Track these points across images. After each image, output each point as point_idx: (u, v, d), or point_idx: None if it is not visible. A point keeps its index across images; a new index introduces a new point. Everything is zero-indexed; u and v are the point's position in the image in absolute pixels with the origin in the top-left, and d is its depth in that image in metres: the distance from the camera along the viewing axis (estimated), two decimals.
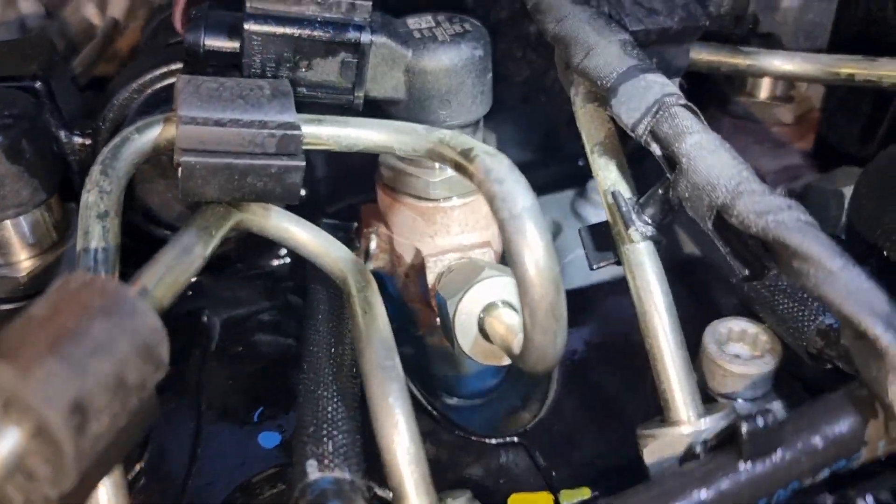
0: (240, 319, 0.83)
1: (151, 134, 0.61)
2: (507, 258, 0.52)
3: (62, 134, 0.75)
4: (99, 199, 0.57)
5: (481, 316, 0.66)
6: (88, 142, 0.76)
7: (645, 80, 0.61)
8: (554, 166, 0.97)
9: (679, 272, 0.70)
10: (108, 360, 0.42)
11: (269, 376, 0.77)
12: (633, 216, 0.61)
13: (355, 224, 0.84)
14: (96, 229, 0.56)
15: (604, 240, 0.64)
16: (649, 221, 0.61)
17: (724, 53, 0.78)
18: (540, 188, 0.95)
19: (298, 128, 0.62)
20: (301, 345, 0.69)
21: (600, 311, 0.84)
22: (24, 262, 0.67)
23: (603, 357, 0.82)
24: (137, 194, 0.78)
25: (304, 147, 0.64)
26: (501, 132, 0.89)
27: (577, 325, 0.82)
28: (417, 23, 0.72)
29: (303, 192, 0.63)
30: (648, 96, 0.60)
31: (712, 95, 0.89)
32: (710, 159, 0.55)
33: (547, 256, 0.50)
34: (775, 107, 0.85)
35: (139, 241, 0.82)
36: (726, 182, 0.54)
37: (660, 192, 0.60)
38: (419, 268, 0.78)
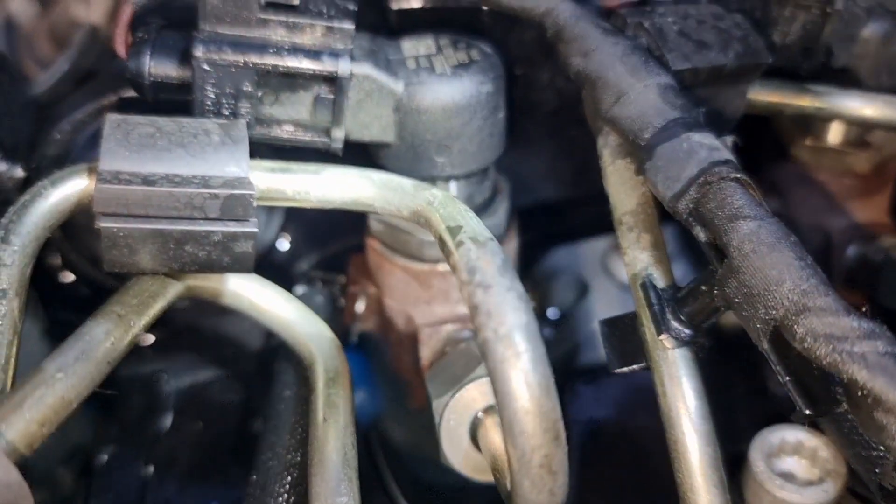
0: (200, 388, 0.71)
1: (70, 188, 0.50)
2: (492, 389, 0.39)
3: (3, 167, 0.64)
4: None
5: (477, 419, 0.54)
6: (32, 175, 0.65)
7: (689, 141, 0.48)
8: (585, 208, 0.84)
9: (722, 345, 0.56)
10: None
11: (225, 465, 0.65)
12: (668, 315, 0.48)
13: (342, 278, 0.72)
14: None
15: (629, 336, 0.51)
16: (687, 322, 0.48)
17: (789, 93, 0.64)
18: (567, 233, 0.84)
19: (249, 185, 0.50)
20: (262, 436, 0.58)
21: (628, 394, 0.70)
22: None
23: (627, 450, 0.69)
24: (83, 239, 0.66)
25: (264, 203, 0.52)
26: (526, 167, 0.76)
27: (597, 412, 0.68)
28: (415, 48, 0.60)
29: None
30: (692, 164, 0.47)
31: (772, 138, 0.75)
32: (768, 257, 0.42)
33: (544, 395, 0.38)
34: (848, 154, 0.70)
35: (95, 292, 0.72)
36: (789, 291, 0.40)
37: (703, 287, 0.47)
38: (413, 337, 0.66)
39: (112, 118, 0.50)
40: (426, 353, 0.65)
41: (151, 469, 0.65)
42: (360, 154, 0.60)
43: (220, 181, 0.49)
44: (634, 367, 0.50)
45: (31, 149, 0.64)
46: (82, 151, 0.63)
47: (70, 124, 0.63)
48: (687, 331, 0.48)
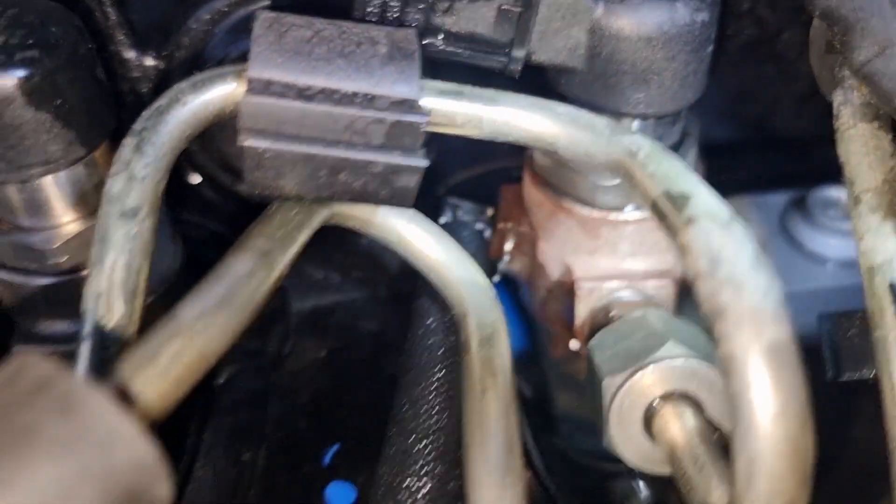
0: (326, 311, 0.65)
1: (214, 94, 0.43)
2: (731, 413, 0.31)
3: (131, 55, 0.58)
4: (127, 190, 0.40)
5: (652, 407, 0.46)
6: (162, 66, 0.59)
7: None
8: (765, 156, 0.73)
9: None
10: None
11: (353, 404, 0.59)
12: None
13: (490, 210, 0.64)
14: (118, 236, 0.39)
15: (858, 339, 0.42)
16: None
17: None
18: (742, 184, 0.73)
19: (421, 110, 0.42)
20: (401, 387, 0.51)
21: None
22: (63, 227, 0.51)
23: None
24: (214, 141, 0.60)
25: (431, 129, 0.44)
26: (701, 102, 0.66)
27: None
28: None
29: None
30: None
31: None
32: None
33: (800, 432, 0.30)
34: None
35: (224, 197, 0.66)
36: None
37: None
38: (567, 289, 0.58)
39: (264, 16, 0.43)
40: (582, 310, 0.57)
41: (272, 395, 0.60)
42: (530, 82, 0.51)
43: (387, 102, 0.42)
44: (866, 374, 0.41)
45: (166, 36, 0.58)
46: (218, 46, 0.56)
47: (209, 13, 0.55)
48: None
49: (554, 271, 0.59)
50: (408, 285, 0.66)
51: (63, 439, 0.28)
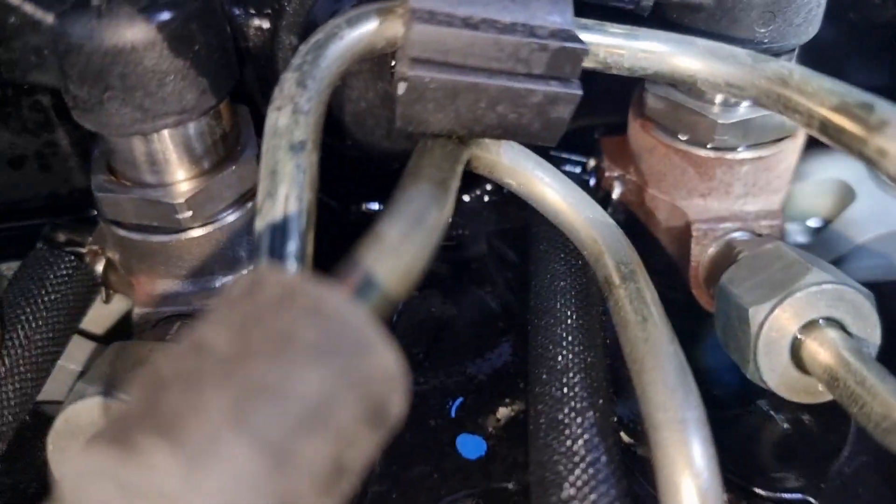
0: (433, 267, 0.65)
1: (368, 28, 0.42)
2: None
3: (237, 12, 0.58)
4: (293, 124, 0.39)
5: (798, 337, 0.46)
6: (267, 25, 0.59)
7: None
8: None
9: None
10: (323, 437, 0.26)
11: (472, 352, 0.59)
12: None
13: (591, 160, 0.64)
14: (288, 169, 0.38)
15: None
16: None
17: None
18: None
19: (579, 39, 0.42)
20: (531, 320, 0.51)
21: None
22: (183, 183, 0.51)
23: None
24: None
25: None
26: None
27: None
28: None
29: None
30: None
31: None
32: None
33: None
34: None
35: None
36: None
37: None
38: (678, 234, 0.59)
39: None
40: (698, 252, 0.57)
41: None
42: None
43: (547, 31, 0.41)
44: None
45: None
46: (326, 5, 0.56)
47: None
48: None
49: (664, 217, 0.59)
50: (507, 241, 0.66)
51: (322, 345, 0.27)
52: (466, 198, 0.70)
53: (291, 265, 0.36)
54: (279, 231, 0.37)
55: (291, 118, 0.40)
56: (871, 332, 0.47)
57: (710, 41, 0.46)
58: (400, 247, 0.34)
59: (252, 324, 0.27)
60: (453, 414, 0.55)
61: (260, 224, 0.38)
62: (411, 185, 0.38)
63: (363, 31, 0.42)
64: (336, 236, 0.63)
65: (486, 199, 0.68)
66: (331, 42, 0.42)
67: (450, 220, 0.39)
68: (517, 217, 0.67)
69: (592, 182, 0.63)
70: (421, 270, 0.35)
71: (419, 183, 0.38)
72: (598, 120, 0.70)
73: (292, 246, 0.37)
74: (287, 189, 0.38)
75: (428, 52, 0.40)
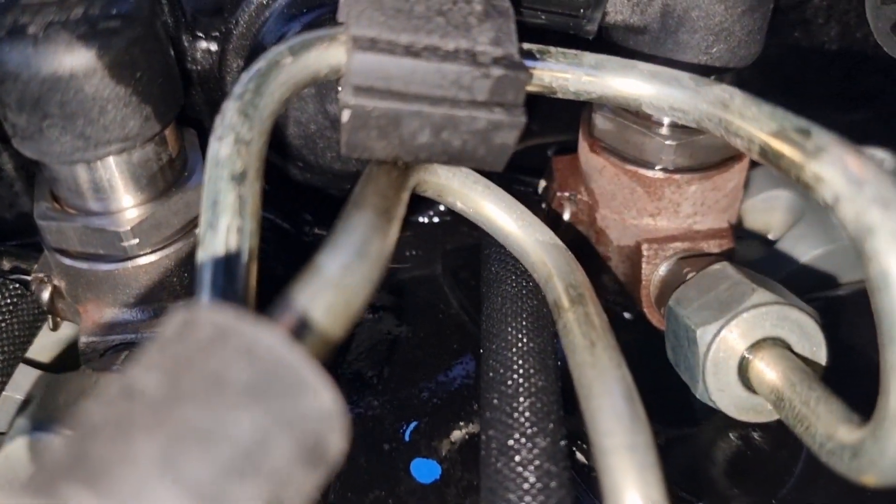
0: (387, 289, 0.65)
1: (310, 56, 0.42)
2: (879, 333, 0.32)
3: (182, 37, 0.57)
4: (235, 154, 0.39)
5: (746, 357, 0.47)
6: (214, 48, 0.58)
7: None
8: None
9: None
10: (256, 480, 0.25)
11: (426, 374, 0.59)
12: None
13: (542, 182, 0.64)
14: (230, 199, 0.38)
15: None
16: None
17: None
18: None
19: (523, 66, 0.42)
20: (483, 344, 0.51)
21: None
22: (129, 210, 0.50)
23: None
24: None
25: None
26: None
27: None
28: None
29: None
30: None
31: None
32: None
33: None
34: None
35: (273, 183, 0.65)
36: None
37: None
38: (629, 253, 0.59)
39: None
40: (648, 271, 0.58)
41: (339, 376, 0.59)
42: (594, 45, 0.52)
43: (489, 58, 0.42)
44: None
45: (217, 18, 0.57)
46: (274, 26, 0.56)
47: None
48: None
49: (615, 236, 0.59)
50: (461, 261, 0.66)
51: (254, 387, 0.27)
52: (423, 218, 0.70)
53: (231, 299, 0.36)
54: (220, 264, 0.37)
55: (233, 148, 0.39)
56: (817, 350, 0.47)
57: (655, 65, 0.46)
58: (340, 280, 0.34)
59: (183, 366, 0.27)
60: (408, 438, 0.55)
61: (201, 256, 0.37)
62: (353, 215, 0.38)
63: (306, 59, 0.42)
64: (291, 260, 0.63)
65: (439, 219, 0.68)
66: (273, 70, 0.41)
67: (394, 248, 0.39)
68: (471, 236, 0.68)
69: (544, 205, 0.63)
70: (363, 302, 0.35)
71: (361, 212, 0.38)
72: (553, 138, 0.71)
73: (233, 279, 0.37)
74: (229, 220, 0.38)
75: (370, 81, 0.40)
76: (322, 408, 0.28)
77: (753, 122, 0.41)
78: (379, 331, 0.62)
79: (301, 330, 0.32)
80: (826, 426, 0.40)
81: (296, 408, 0.27)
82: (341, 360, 0.60)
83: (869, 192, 0.33)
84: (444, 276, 0.65)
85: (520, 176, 0.66)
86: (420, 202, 0.53)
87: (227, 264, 0.37)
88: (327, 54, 0.42)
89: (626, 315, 0.64)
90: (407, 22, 0.41)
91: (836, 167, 0.35)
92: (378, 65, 0.40)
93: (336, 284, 0.33)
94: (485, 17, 0.43)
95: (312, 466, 0.27)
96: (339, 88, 0.43)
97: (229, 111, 0.40)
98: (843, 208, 0.34)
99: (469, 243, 0.68)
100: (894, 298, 0.31)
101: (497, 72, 0.41)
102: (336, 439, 0.29)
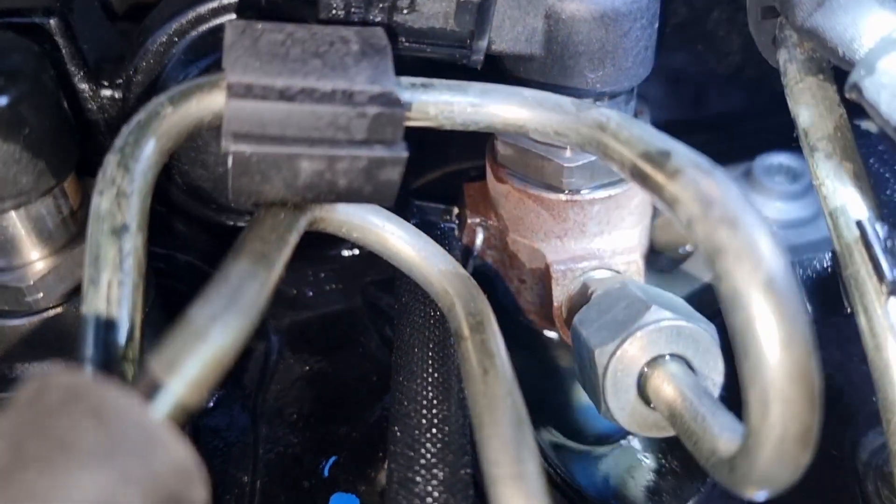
0: (306, 325, 0.65)
1: (191, 104, 0.43)
2: (735, 349, 0.33)
3: (85, 86, 0.57)
4: (115, 207, 0.39)
5: (644, 374, 0.48)
6: (118, 95, 0.59)
7: None
8: (704, 134, 0.76)
9: None
10: None
11: (346, 409, 0.59)
12: (888, 258, 0.41)
13: (455, 210, 0.65)
14: (111, 254, 0.38)
15: (826, 283, 0.44)
16: None
17: None
18: None
19: (399, 102, 0.43)
20: (395, 375, 0.52)
21: None
22: (34, 264, 0.50)
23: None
24: (180, 162, 0.60)
25: (406, 124, 0.45)
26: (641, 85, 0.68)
27: None
28: None
29: None
30: None
31: None
32: None
33: (807, 357, 0.31)
34: None
35: (192, 227, 0.65)
36: None
37: None
38: (540, 275, 0.60)
39: (235, 23, 0.43)
40: (559, 293, 0.58)
41: (259, 414, 0.59)
42: (489, 71, 0.53)
43: (366, 97, 0.42)
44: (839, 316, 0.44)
45: (120, 64, 0.57)
46: (177, 67, 0.56)
47: (165, 34, 0.55)
48: None
49: (526, 260, 0.60)
50: (383, 293, 0.67)
51: (101, 448, 0.27)
52: (345, 252, 0.70)
53: (112, 355, 0.36)
54: (101, 321, 0.37)
55: (114, 202, 0.40)
56: (714, 364, 0.48)
57: (538, 91, 0.47)
58: (208, 331, 0.34)
59: (29, 431, 0.27)
60: (326, 473, 0.55)
61: (83, 313, 0.38)
62: (228, 264, 0.38)
63: (186, 108, 0.42)
64: None
65: (360, 252, 0.68)
66: (153, 121, 0.42)
67: (273, 293, 0.39)
68: (392, 268, 0.68)
69: (458, 232, 0.64)
70: (235, 351, 0.35)
71: (237, 260, 0.39)
72: (466, 165, 0.72)
73: (113, 336, 0.37)
74: (110, 275, 0.38)
75: (246, 127, 0.41)
76: (176, 462, 0.28)
77: (625, 145, 0.42)
78: (300, 367, 0.62)
79: (160, 386, 0.32)
80: (711, 441, 0.41)
81: (146, 466, 0.28)
82: (261, 399, 0.60)
83: (717, 212, 0.34)
84: (366, 309, 0.66)
85: (436, 205, 0.66)
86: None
87: (108, 321, 0.37)
88: (209, 101, 0.43)
89: (551, 334, 0.64)
90: (283, 66, 0.42)
91: (689, 188, 0.36)
92: (253, 111, 0.40)
93: (204, 335, 0.34)
94: (361, 56, 0.43)
95: None
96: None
97: (110, 164, 0.40)
98: (696, 229, 0.35)
99: (390, 275, 0.68)
100: (744, 317, 0.32)
101: (373, 110, 0.42)
102: (197, 492, 0.29)
